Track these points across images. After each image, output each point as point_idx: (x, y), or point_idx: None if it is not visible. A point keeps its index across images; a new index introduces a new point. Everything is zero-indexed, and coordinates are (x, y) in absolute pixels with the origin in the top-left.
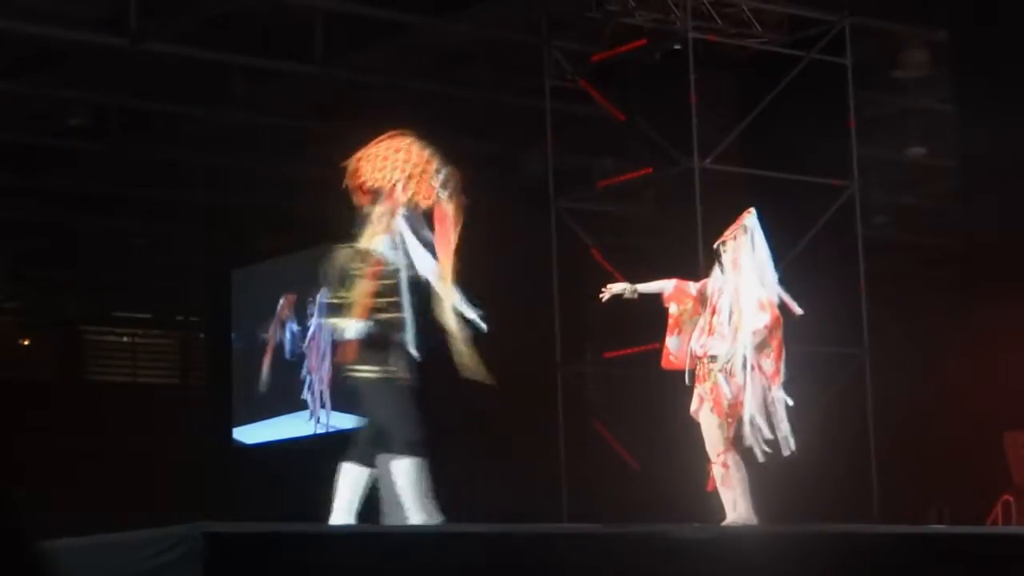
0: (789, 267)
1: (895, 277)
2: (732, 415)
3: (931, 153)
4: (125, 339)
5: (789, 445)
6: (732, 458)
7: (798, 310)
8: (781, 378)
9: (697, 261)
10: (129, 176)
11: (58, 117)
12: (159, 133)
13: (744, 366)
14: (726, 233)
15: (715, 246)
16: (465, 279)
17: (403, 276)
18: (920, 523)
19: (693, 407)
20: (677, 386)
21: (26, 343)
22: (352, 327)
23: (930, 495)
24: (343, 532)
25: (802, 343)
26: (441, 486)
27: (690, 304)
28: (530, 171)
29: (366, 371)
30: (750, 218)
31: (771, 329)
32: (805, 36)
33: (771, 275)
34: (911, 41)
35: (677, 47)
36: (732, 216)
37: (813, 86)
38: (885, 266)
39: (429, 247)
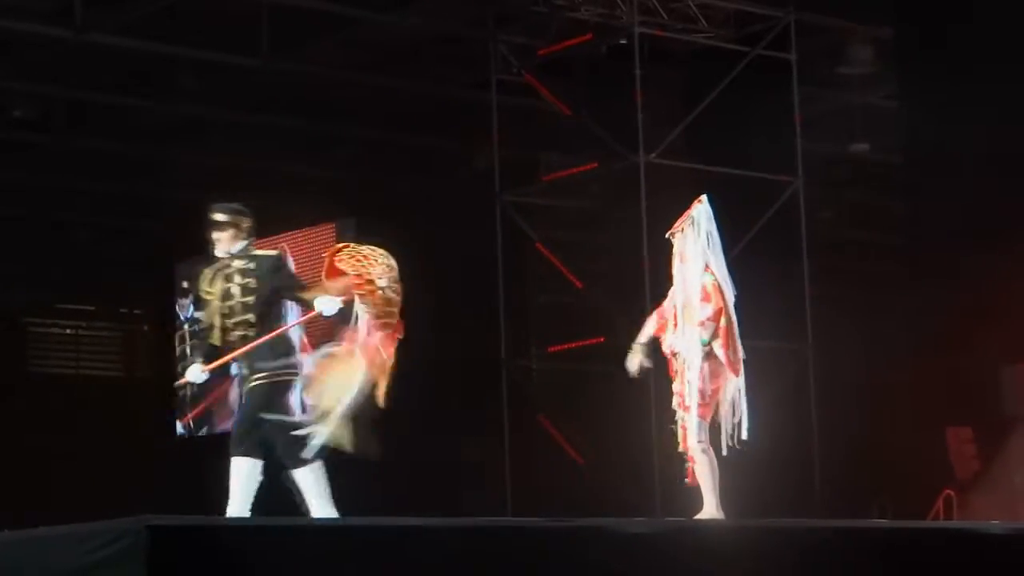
0: (734, 262)
1: (839, 273)
2: (687, 408)
3: (875, 149)
4: (69, 331)
5: (741, 435)
6: (698, 453)
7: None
8: (741, 367)
9: (642, 255)
10: (73, 168)
11: (2, 109)
12: (104, 125)
13: (700, 359)
14: (676, 223)
15: (668, 236)
16: (411, 273)
17: None
18: (863, 517)
19: (674, 404)
20: (620, 381)
21: None
22: None
23: (873, 489)
24: (286, 525)
25: (746, 338)
26: (386, 480)
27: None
28: (476, 165)
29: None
30: (698, 207)
31: (714, 319)
32: (751, 32)
33: (718, 261)
34: (856, 37)
35: (623, 42)
36: (678, 211)
37: (758, 82)
38: (829, 262)
39: None
